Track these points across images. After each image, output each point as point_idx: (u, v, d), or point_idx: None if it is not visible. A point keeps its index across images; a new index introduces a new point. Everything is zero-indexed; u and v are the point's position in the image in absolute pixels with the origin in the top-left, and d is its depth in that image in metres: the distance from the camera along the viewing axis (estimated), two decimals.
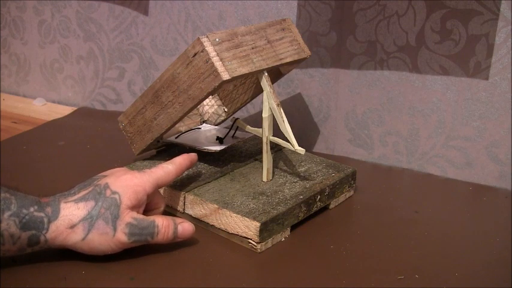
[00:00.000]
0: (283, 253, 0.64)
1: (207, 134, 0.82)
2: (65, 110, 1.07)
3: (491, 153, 0.81)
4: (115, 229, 0.58)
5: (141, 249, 0.62)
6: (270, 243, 0.65)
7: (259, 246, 0.64)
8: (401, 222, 0.71)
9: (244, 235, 0.64)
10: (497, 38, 0.77)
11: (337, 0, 0.85)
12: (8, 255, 0.57)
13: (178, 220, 0.63)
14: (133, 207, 0.60)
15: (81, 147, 0.89)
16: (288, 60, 0.72)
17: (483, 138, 0.81)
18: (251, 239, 0.64)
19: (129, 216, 0.59)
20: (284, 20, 0.74)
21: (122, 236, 0.59)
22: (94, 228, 0.58)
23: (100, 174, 0.63)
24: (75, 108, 1.08)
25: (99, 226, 0.58)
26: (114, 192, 0.60)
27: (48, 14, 1.09)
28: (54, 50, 1.11)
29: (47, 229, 0.57)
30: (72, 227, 0.58)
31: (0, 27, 1.15)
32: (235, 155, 0.80)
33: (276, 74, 0.79)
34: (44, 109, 1.11)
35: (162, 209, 0.66)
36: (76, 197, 0.59)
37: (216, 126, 0.84)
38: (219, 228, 0.66)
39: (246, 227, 0.64)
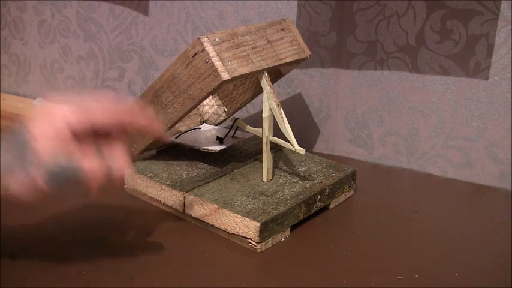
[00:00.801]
0: (283, 253, 0.64)
1: (207, 134, 0.82)
2: None
3: (491, 153, 0.81)
4: (32, 173, 0.50)
5: (141, 249, 0.62)
6: (270, 243, 0.65)
7: (259, 246, 0.64)
8: (401, 222, 0.71)
9: (244, 235, 0.64)
10: (497, 38, 0.77)
11: (337, 0, 0.85)
12: None
13: (107, 159, 0.53)
14: (51, 140, 0.51)
15: None
16: (288, 60, 0.72)
17: (483, 138, 0.81)
18: (251, 239, 0.64)
19: (47, 156, 0.51)
20: (284, 20, 0.74)
21: (40, 182, 0.51)
22: (11, 176, 0.51)
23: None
24: None
25: (16, 172, 0.50)
26: (29, 132, 0.51)
27: (48, 14, 1.09)
28: (54, 50, 1.11)
29: None
30: None
31: (0, 27, 1.15)
32: (235, 155, 0.80)
33: (276, 74, 0.79)
34: None
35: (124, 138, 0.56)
36: None
37: (216, 126, 0.84)
38: (219, 228, 0.66)
39: (246, 227, 0.64)
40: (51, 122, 0.51)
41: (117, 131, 0.54)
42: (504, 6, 0.76)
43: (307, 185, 0.71)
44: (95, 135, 0.54)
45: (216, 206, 0.66)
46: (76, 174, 0.52)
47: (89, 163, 0.52)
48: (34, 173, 0.50)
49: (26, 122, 0.52)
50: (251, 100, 0.83)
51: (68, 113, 0.51)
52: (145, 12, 1.00)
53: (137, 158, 0.78)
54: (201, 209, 0.68)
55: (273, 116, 0.70)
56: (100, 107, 0.53)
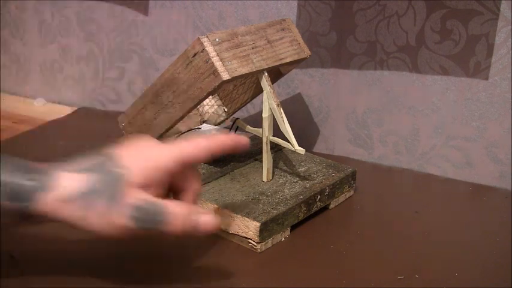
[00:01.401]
0: (283, 253, 0.64)
1: (207, 134, 0.82)
2: (65, 110, 1.07)
3: (491, 153, 0.81)
4: (116, 210, 0.49)
5: (141, 250, 0.62)
6: (270, 243, 0.65)
7: (259, 246, 0.64)
8: (401, 222, 0.71)
9: (244, 235, 0.64)
10: (497, 38, 0.77)
11: (337, 0, 0.85)
12: (11, 227, 0.51)
13: (197, 209, 0.53)
14: (146, 187, 0.50)
15: (81, 147, 0.89)
16: (288, 60, 0.72)
17: (483, 138, 0.81)
18: (251, 239, 0.64)
19: (135, 197, 0.49)
20: (284, 20, 0.74)
21: (124, 220, 0.49)
22: (91, 206, 0.49)
23: (116, 144, 0.53)
24: (75, 108, 1.08)
25: (97, 204, 0.49)
26: (120, 166, 0.49)
27: (48, 14, 1.09)
28: (54, 50, 1.11)
29: (38, 201, 0.48)
30: (68, 201, 0.49)
31: (0, 27, 1.15)
32: (235, 155, 0.80)
33: (276, 74, 0.79)
34: (44, 109, 1.11)
35: (196, 190, 0.55)
36: (77, 166, 0.50)
37: (216, 126, 0.84)
38: (219, 229, 0.66)
39: (246, 227, 0.64)
40: (148, 166, 0.50)
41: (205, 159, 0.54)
42: (504, 6, 0.76)
43: (307, 185, 0.71)
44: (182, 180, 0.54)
45: (216, 206, 0.66)
46: (161, 218, 0.50)
47: (174, 208, 0.51)
48: (122, 210, 0.49)
49: (115, 153, 0.51)
50: (251, 100, 0.83)
51: (163, 155, 0.51)
52: (145, 12, 1.00)
53: None
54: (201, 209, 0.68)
55: (273, 116, 0.70)
56: (191, 144, 0.52)
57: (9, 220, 0.50)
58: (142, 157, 0.51)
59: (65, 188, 0.49)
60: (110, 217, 0.49)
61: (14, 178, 0.49)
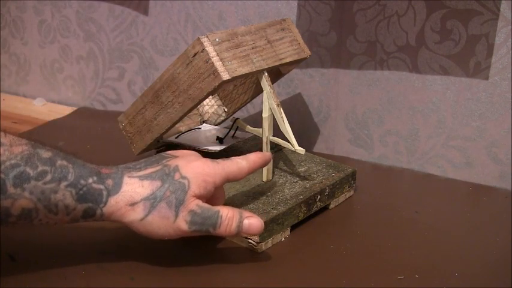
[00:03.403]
0: (283, 253, 0.64)
1: (207, 134, 0.82)
2: (65, 110, 1.07)
3: (491, 153, 0.81)
4: (177, 215, 0.55)
5: (141, 249, 0.62)
6: (270, 243, 0.65)
7: (259, 246, 0.64)
8: (401, 222, 0.71)
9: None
10: (497, 38, 0.77)
11: (337, 0, 0.85)
12: (60, 224, 0.55)
13: (245, 214, 0.59)
14: (200, 197, 0.57)
15: (81, 147, 0.89)
16: (288, 60, 0.72)
17: (483, 138, 0.81)
18: (251, 239, 0.64)
19: (193, 204, 0.56)
20: (284, 20, 0.74)
21: (182, 223, 0.56)
22: (155, 210, 0.55)
23: (169, 153, 0.60)
24: (75, 108, 1.08)
25: (161, 209, 0.55)
26: (183, 177, 0.56)
27: (48, 14, 1.09)
28: (54, 50, 1.11)
29: (105, 203, 0.54)
30: (133, 204, 0.55)
31: (0, 27, 1.15)
32: (235, 155, 0.79)
33: (276, 74, 0.79)
34: (44, 109, 1.11)
35: (221, 203, 0.63)
36: (142, 173, 0.56)
37: (216, 126, 0.84)
38: None
39: None
40: (205, 180, 0.57)
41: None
42: (504, 6, 0.76)
43: (307, 185, 0.71)
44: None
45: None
46: (214, 222, 0.57)
47: (228, 215, 0.58)
48: (181, 215, 0.56)
49: (176, 164, 0.58)
50: (251, 100, 0.83)
51: (215, 172, 0.58)
52: (145, 12, 1.00)
53: (137, 158, 0.78)
54: None
55: (273, 116, 0.70)
56: (234, 164, 0.60)
57: (69, 218, 0.55)
58: (200, 170, 0.57)
59: (131, 192, 0.55)
60: (171, 220, 0.56)
61: (86, 181, 0.54)
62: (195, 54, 0.65)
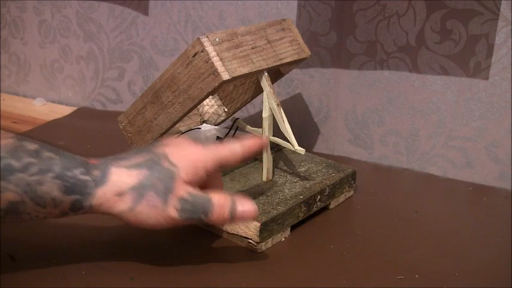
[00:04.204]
0: (283, 253, 0.64)
1: (207, 134, 0.82)
2: (65, 110, 1.07)
3: (491, 153, 0.81)
4: (166, 203, 0.53)
5: (141, 249, 0.62)
6: (270, 243, 0.65)
7: (259, 246, 0.64)
8: (401, 222, 0.71)
9: (244, 235, 0.64)
10: (497, 38, 0.77)
11: (337, 0, 0.85)
12: (50, 218, 0.54)
13: (238, 199, 0.57)
14: (190, 183, 0.55)
15: (81, 147, 0.89)
16: (288, 60, 0.72)
17: (483, 138, 0.81)
18: (251, 239, 0.64)
19: (183, 191, 0.54)
20: (284, 20, 0.74)
21: (172, 211, 0.54)
22: (144, 199, 0.53)
23: (160, 142, 0.58)
24: (75, 108, 1.08)
25: (150, 198, 0.53)
26: (172, 164, 0.54)
27: (48, 14, 1.09)
28: (54, 50, 1.11)
29: (92, 194, 0.53)
30: (120, 195, 0.53)
31: (0, 27, 1.15)
32: None
33: (276, 74, 0.79)
34: (44, 109, 1.11)
35: (219, 189, 0.61)
36: (129, 162, 0.55)
37: (216, 126, 0.84)
38: (219, 228, 0.66)
39: (246, 227, 0.64)
40: (195, 165, 0.55)
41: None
42: (504, 6, 0.76)
43: (307, 185, 0.71)
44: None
45: None
46: (206, 209, 0.55)
47: (220, 201, 0.56)
48: (171, 202, 0.54)
49: (165, 150, 0.56)
50: (251, 100, 0.83)
51: (206, 156, 0.56)
52: (145, 12, 1.00)
53: None
54: None
55: (273, 116, 0.70)
56: (227, 148, 0.58)
57: (58, 211, 0.53)
58: (189, 156, 0.55)
59: (118, 183, 0.53)
60: (160, 209, 0.54)
61: (72, 172, 0.52)
62: (195, 54, 0.65)
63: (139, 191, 0.53)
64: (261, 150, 0.62)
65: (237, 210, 0.56)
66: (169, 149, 0.56)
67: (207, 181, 0.58)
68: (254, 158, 0.78)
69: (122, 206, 0.54)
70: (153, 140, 0.74)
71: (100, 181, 0.53)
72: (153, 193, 0.53)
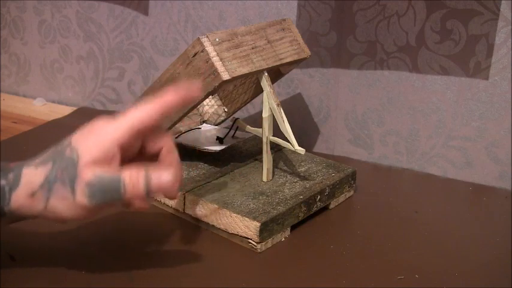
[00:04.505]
0: (283, 253, 0.64)
1: (207, 134, 0.82)
2: (65, 110, 1.07)
3: (491, 153, 0.81)
4: (74, 191, 0.50)
5: (141, 249, 0.62)
6: (270, 243, 0.65)
7: (259, 246, 0.64)
8: (401, 222, 0.71)
9: (244, 235, 0.64)
10: (497, 38, 0.77)
11: (337, 0, 0.85)
12: None
13: (153, 169, 0.52)
14: (98, 162, 0.50)
15: None
16: (288, 60, 0.72)
17: (483, 138, 0.81)
18: (251, 239, 0.64)
19: (89, 175, 0.50)
20: (284, 20, 0.74)
21: (82, 199, 0.50)
22: (52, 194, 0.51)
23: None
24: (75, 108, 1.08)
25: (58, 190, 0.50)
26: (72, 150, 0.51)
27: (48, 14, 1.09)
28: (54, 50, 1.11)
29: (9, 199, 0.51)
30: (33, 195, 0.51)
31: (0, 27, 1.15)
32: (235, 155, 0.80)
33: (276, 74, 0.79)
34: (44, 109, 1.11)
35: (171, 151, 0.55)
36: (38, 159, 0.52)
37: (216, 126, 0.84)
38: (219, 228, 0.66)
39: (246, 227, 0.64)
40: (98, 141, 0.51)
41: (161, 121, 0.54)
42: (504, 6, 0.76)
43: (307, 185, 0.71)
44: (141, 153, 0.55)
45: (216, 206, 0.66)
46: (118, 188, 0.51)
47: (132, 177, 0.51)
48: (78, 189, 0.50)
49: (71, 139, 0.52)
50: (251, 100, 0.83)
51: (113, 128, 0.51)
52: (145, 12, 1.00)
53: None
54: (201, 209, 0.68)
55: (273, 116, 0.70)
56: (139, 111, 0.52)
57: None
58: (92, 136, 0.51)
59: (28, 183, 0.51)
60: (70, 199, 0.50)
61: None
62: (195, 54, 0.65)
63: (47, 186, 0.51)
64: (187, 101, 0.54)
65: (152, 184, 0.51)
66: (75, 135, 0.52)
67: (151, 147, 0.54)
68: (254, 158, 0.78)
69: (37, 205, 0.51)
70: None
71: (14, 185, 0.51)
72: (60, 185, 0.50)
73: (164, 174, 0.52)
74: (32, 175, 0.51)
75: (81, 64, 1.09)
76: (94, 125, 0.52)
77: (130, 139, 0.52)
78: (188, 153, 0.78)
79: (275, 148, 0.78)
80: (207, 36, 0.65)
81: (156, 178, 0.51)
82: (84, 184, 0.50)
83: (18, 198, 0.51)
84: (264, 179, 0.72)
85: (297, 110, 0.92)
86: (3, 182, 0.51)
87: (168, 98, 0.52)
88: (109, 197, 0.51)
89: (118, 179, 0.50)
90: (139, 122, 0.52)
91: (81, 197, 0.50)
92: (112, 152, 0.51)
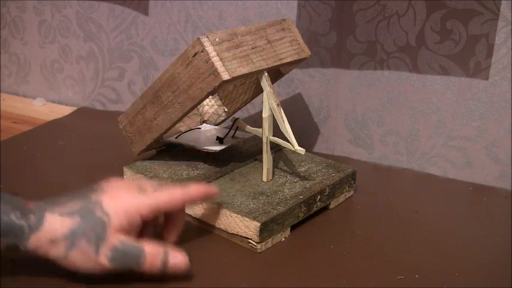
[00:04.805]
0: (283, 253, 0.64)
1: (207, 134, 0.82)
2: (65, 110, 1.07)
3: (491, 153, 0.81)
4: (97, 251, 0.54)
5: None
6: (270, 243, 0.65)
7: (259, 246, 0.64)
8: (401, 222, 0.71)
9: (244, 235, 0.64)
10: (497, 38, 0.77)
11: (337, 0, 0.85)
12: None
13: (170, 250, 0.57)
14: (124, 231, 0.55)
15: (81, 147, 0.89)
16: (288, 60, 0.72)
17: (483, 138, 0.81)
18: (251, 239, 0.64)
19: (115, 240, 0.55)
20: (284, 20, 0.74)
21: (103, 260, 0.54)
22: (76, 247, 0.54)
23: (99, 186, 0.58)
24: (75, 108, 1.08)
25: (81, 246, 0.54)
26: (104, 213, 0.55)
27: (48, 14, 1.09)
28: (54, 50, 1.11)
29: (27, 239, 0.54)
30: (53, 242, 0.54)
31: (0, 27, 1.15)
32: (235, 155, 0.80)
33: (276, 74, 0.79)
34: (44, 109, 1.11)
35: (177, 230, 0.62)
36: (63, 209, 0.55)
37: (216, 126, 0.84)
38: (219, 228, 0.66)
39: (246, 227, 0.64)
40: (127, 211, 0.56)
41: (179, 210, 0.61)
42: (504, 6, 0.76)
43: (307, 185, 0.71)
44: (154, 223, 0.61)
45: (216, 206, 0.66)
46: (138, 258, 0.56)
47: (151, 249, 0.56)
48: (102, 251, 0.54)
49: (101, 197, 0.56)
50: (251, 100, 0.83)
51: (141, 203, 0.57)
52: (145, 12, 1.00)
53: (137, 158, 0.78)
54: (201, 209, 0.68)
55: (273, 116, 0.70)
56: (167, 194, 0.58)
57: None
58: (123, 204, 0.56)
59: (51, 230, 0.54)
60: (92, 257, 0.55)
61: (8, 216, 0.53)
62: (195, 54, 0.65)
63: (71, 239, 0.54)
64: (207, 198, 0.63)
65: (169, 262, 0.57)
66: (104, 196, 0.56)
67: (166, 222, 0.61)
68: (254, 158, 0.78)
69: (56, 252, 0.54)
70: (152, 140, 0.74)
71: (35, 227, 0.54)
72: (85, 241, 0.54)
73: (180, 257, 0.57)
74: (55, 223, 0.54)
75: (81, 64, 1.09)
76: (121, 190, 0.57)
77: (152, 215, 0.58)
78: (188, 153, 0.78)
79: (275, 148, 0.78)
80: (207, 36, 0.65)
81: (173, 258, 0.57)
82: (110, 247, 0.55)
83: (38, 240, 0.54)
84: (264, 179, 0.72)
85: (297, 110, 0.92)
86: (23, 222, 0.54)
87: (192, 192, 0.60)
88: (128, 265, 0.56)
89: (140, 251, 0.56)
90: (165, 205, 0.58)
91: (103, 257, 0.55)
92: (137, 223, 0.56)
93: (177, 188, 0.59)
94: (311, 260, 0.63)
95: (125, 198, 0.57)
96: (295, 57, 0.73)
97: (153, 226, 0.61)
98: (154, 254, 0.56)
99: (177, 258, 0.57)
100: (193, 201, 0.61)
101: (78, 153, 0.88)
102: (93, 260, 0.54)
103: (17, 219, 0.54)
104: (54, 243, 0.54)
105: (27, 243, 0.54)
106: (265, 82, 0.70)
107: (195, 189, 0.60)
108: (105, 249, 0.54)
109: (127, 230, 0.56)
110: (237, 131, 0.80)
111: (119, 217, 0.55)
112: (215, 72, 0.64)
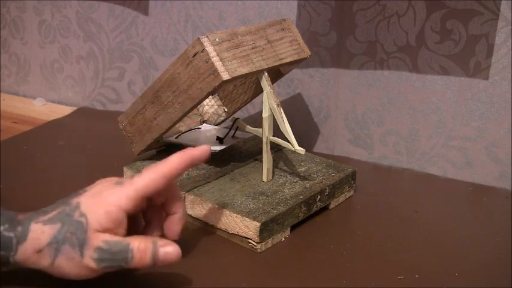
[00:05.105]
0: (283, 253, 0.64)
1: (207, 134, 0.82)
2: (65, 110, 1.07)
3: (491, 153, 0.81)
4: (82, 254, 0.53)
5: None
6: (270, 243, 0.65)
7: (259, 246, 0.64)
8: (401, 222, 0.71)
9: (244, 235, 0.64)
10: (497, 38, 0.77)
11: (337, 0, 0.85)
12: None
13: (160, 243, 0.55)
14: (106, 230, 0.54)
15: (81, 147, 0.89)
16: (288, 60, 0.72)
17: (483, 138, 0.81)
18: (251, 239, 0.64)
19: (98, 240, 0.53)
20: (284, 20, 0.74)
21: (89, 262, 0.53)
22: (60, 253, 0.53)
23: (82, 190, 0.57)
24: (75, 108, 1.08)
25: (66, 251, 0.53)
26: (81, 215, 0.54)
27: (48, 14, 1.09)
28: (54, 50, 1.11)
29: (16, 251, 0.53)
30: (39, 251, 0.53)
31: (0, 27, 1.15)
32: (235, 155, 0.80)
33: (276, 74, 0.79)
34: (44, 109, 1.11)
35: (179, 213, 0.59)
36: (46, 217, 0.54)
37: (216, 126, 0.84)
38: (219, 228, 0.66)
39: (246, 227, 0.64)
40: (106, 210, 0.54)
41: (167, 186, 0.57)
42: (504, 6, 0.76)
43: (307, 185, 0.71)
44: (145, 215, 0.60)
45: (216, 206, 0.66)
46: (125, 256, 0.54)
47: (139, 244, 0.54)
48: (87, 253, 0.53)
49: (79, 199, 0.55)
50: (251, 100, 0.83)
51: (119, 196, 0.54)
52: (145, 12, 1.00)
53: (137, 158, 0.78)
54: (201, 209, 0.68)
55: (273, 116, 0.70)
56: (145, 178, 0.55)
57: None
58: (100, 203, 0.54)
59: (35, 240, 0.53)
60: (78, 261, 0.53)
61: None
62: (195, 54, 0.65)
63: (55, 246, 0.53)
64: (194, 161, 0.58)
65: (159, 254, 0.55)
66: (84, 197, 0.55)
67: (164, 201, 0.59)
68: (254, 158, 0.78)
69: (43, 262, 0.54)
70: (152, 140, 0.74)
71: (21, 238, 0.54)
72: (68, 246, 0.53)
73: (170, 248, 0.55)
74: (39, 232, 0.54)
75: (81, 64, 1.09)
76: (101, 188, 0.56)
77: (135, 205, 0.55)
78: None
79: (275, 148, 0.78)
80: (207, 36, 0.65)
81: (163, 251, 0.55)
82: (93, 249, 0.53)
83: (25, 251, 0.54)
84: (264, 179, 0.72)
85: (297, 110, 0.92)
86: (11, 234, 0.53)
87: (174, 164, 0.56)
88: (116, 263, 0.54)
89: (127, 248, 0.54)
90: (145, 188, 0.55)
91: (89, 260, 0.53)
92: (119, 219, 0.54)
93: (155, 166, 0.56)
94: (311, 260, 0.63)
95: (103, 196, 0.55)
96: (295, 57, 0.73)
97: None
98: (143, 248, 0.54)
99: (168, 249, 0.55)
100: (180, 172, 0.57)
101: (78, 153, 0.88)
102: (79, 264, 0.53)
103: (6, 231, 0.53)
104: (40, 253, 0.54)
105: (15, 255, 0.54)
106: (265, 82, 0.70)
107: (177, 157, 0.57)
108: (89, 251, 0.53)
109: (111, 227, 0.54)
110: (237, 131, 0.80)
111: (97, 216, 0.53)
112: (215, 72, 0.64)
